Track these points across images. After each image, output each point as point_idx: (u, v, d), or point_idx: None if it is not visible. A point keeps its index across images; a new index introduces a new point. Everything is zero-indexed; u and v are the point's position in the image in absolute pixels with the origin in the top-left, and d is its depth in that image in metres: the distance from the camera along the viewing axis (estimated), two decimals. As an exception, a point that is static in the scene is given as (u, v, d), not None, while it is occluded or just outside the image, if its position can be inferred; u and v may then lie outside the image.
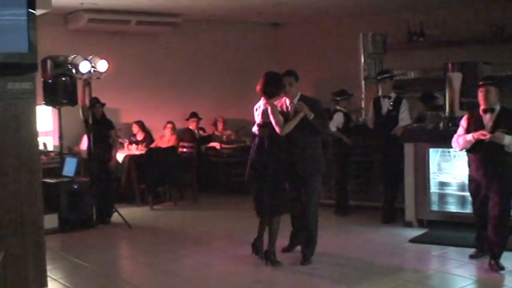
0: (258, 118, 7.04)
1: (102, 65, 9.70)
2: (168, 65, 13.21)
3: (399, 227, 8.88)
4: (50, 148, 11.06)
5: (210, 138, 13.19)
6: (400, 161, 8.98)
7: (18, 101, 4.31)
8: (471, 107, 8.48)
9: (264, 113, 6.91)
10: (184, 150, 12.05)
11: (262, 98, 7.01)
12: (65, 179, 9.66)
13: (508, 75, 10.43)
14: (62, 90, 9.53)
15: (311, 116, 6.88)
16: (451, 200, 8.71)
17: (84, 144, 10.70)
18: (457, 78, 8.74)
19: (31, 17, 4.21)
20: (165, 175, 11.33)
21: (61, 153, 10.13)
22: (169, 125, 12.32)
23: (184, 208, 11.26)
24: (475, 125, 6.71)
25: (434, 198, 8.78)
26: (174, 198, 11.60)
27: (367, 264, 7.16)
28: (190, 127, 12.93)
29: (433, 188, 8.78)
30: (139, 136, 12.35)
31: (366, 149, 10.24)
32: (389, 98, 9.50)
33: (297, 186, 7.18)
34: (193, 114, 12.98)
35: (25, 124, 4.37)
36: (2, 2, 4.17)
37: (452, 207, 8.69)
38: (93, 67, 9.62)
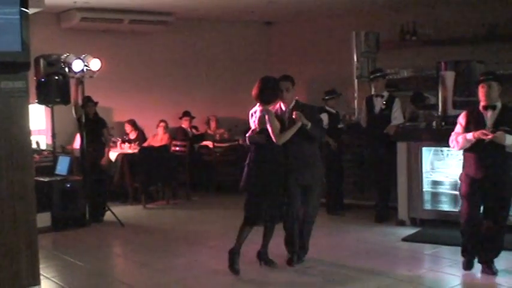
0: (253, 124, 6.81)
1: (95, 64, 9.69)
2: (160, 64, 13.21)
3: (392, 226, 8.89)
4: (43, 147, 11.05)
5: (203, 136, 13.19)
6: (393, 160, 8.99)
7: (11, 99, 4.30)
8: (464, 106, 8.53)
9: (261, 120, 6.65)
10: (177, 149, 12.05)
11: (258, 104, 6.76)
12: (58, 178, 9.65)
13: (501, 74, 10.43)
14: (54, 89, 9.51)
15: (308, 125, 6.64)
16: (444, 199, 8.72)
17: (77, 142, 10.68)
18: (450, 77, 8.75)
19: (24, 16, 4.21)
20: (158, 174, 11.34)
21: (54, 152, 10.11)
22: (162, 124, 12.32)
23: (177, 207, 11.25)
24: (475, 122, 6.31)
25: (427, 197, 8.79)
26: (167, 197, 11.59)
27: (359, 263, 7.16)
28: (183, 126, 12.92)
29: (426, 187, 8.80)
30: (132, 135, 12.35)
31: (359, 148, 10.25)
32: (382, 97, 9.51)
33: (293, 196, 6.86)
34: (186, 113, 12.97)
35: (18, 123, 4.36)
36: (-6, 1, 4.16)
37: (445, 206, 8.70)
38: (86, 66, 9.60)
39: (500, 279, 6.24)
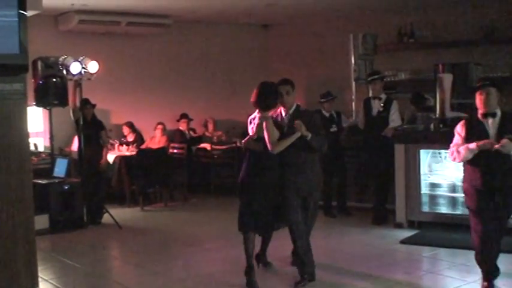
0: (251, 131, 6.54)
1: (92, 66, 9.71)
2: (158, 66, 13.21)
3: (390, 228, 8.90)
4: (41, 149, 11.03)
5: (201, 139, 13.19)
6: (390, 162, 9.00)
7: (9, 101, 4.30)
8: (462, 109, 8.54)
9: (259, 127, 6.36)
10: (175, 151, 12.05)
11: (257, 111, 6.48)
12: (56, 180, 9.65)
13: (498, 77, 10.45)
14: (52, 91, 9.53)
15: (308, 136, 6.26)
16: (441, 201, 8.73)
17: (75, 145, 10.68)
18: (447, 79, 8.76)
19: (22, 18, 4.21)
20: (156, 176, 11.34)
21: (52, 154, 10.11)
22: (159, 126, 12.32)
23: (175, 209, 11.26)
24: (476, 132, 5.83)
25: (425, 200, 8.80)
26: (165, 199, 11.59)
27: (357, 266, 7.16)
28: (181, 128, 12.92)
29: (424, 189, 8.80)
30: (130, 137, 12.34)
31: (356, 151, 10.25)
32: (380, 99, 9.52)
33: (292, 208, 6.47)
34: (184, 115, 12.97)
35: (16, 125, 4.36)
36: (-7, 3, 4.16)
37: (443, 209, 8.71)
38: (84, 68, 9.62)
39: (499, 281, 6.24)
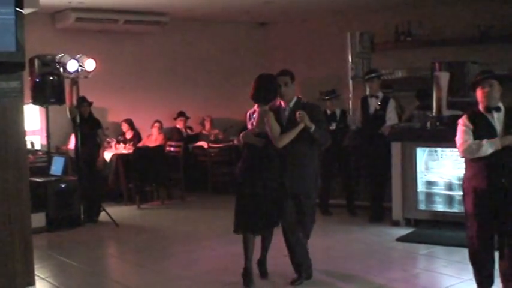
0: (250, 126, 6.32)
1: (89, 64, 9.71)
2: (155, 64, 13.20)
3: (386, 226, 8.91)
4: (38, 147, 11.03)
5: (198, 137, 13.19)
6: (387, 160, 9.01)
7: (6, 99, 4.30)
8: (459, 107, 8.53)
9: (260, 122, 6.14)
10: (172, 149, 12.04)
11: (256, 105, 6.27)
12: (53, 178, 9.65)
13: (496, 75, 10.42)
14: (49, 89, 9.53)
15: (312, 128, 5.99)
16: (438, 199, 8.74)
17: (71, 143, 10.67)
18: (444, 77, 8.77)
19: (19, 16, 4.21)
20: (153, 174, 11.34)
21: (48, 152, 10.10)
22: (156, 124, 12.31)
23: (172, 207, 11.26)
24: (482, 126, 5.44)
25: (421, 198, 8.81)
26: (162, 198, 11.60)
27: (354, 264, 7.18)
28: (178, 126, 12.92)
29: (421, 187, 8.82)
30: (128, 135, 12.34)
31: (353, 149, 10.25)
32: (377, 97, 9.53)
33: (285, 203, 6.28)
34: (181, 113, 12.97)
35: (13, 122, 4.36)
36: (-11, 1, 4.16)
37: (440, 207, 8.73)
38: (81, 66, 9.62)
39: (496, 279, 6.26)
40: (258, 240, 6.50)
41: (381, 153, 9.19)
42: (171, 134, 12.67)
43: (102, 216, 9.88)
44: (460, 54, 10.83)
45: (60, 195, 9.49)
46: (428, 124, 8.79)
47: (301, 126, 6.00)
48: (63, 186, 9.56)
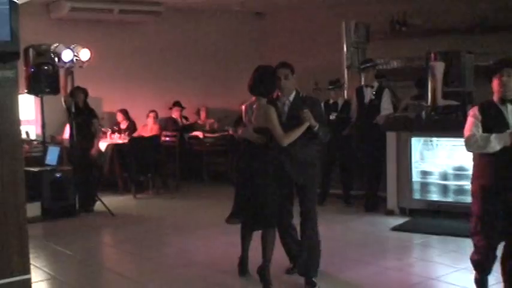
0: (253, 120, 5.98)
1: (84, 54, 9.72)
2: (150, 54, 13.18)
3: (381, 216, 8.94)
4: (33, 137, 11.02)
5: (193, 127, 13.20)
6: (382, 150, 9.02)
7: (0, 89, 4.29)
8: (453, 97, 8.55)
9: (259, 116, 5.88)
10: (167, 139, 12.04)
11: (255, 97, 6.00)
12: (48, 168, 9.64)
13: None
14: (44, 79, 9.51)
15: (316, 126, 5.80)
16: (433, 188, 8.78)
17: (67, 133, 10.67)
18: (439, 67, 8.76)
19: (13, 6, 4.19)
20: (148, 164, 11.36)
21: (43, 142, 10.09)
22: (152, 114, 12.30)
23: (167, 197, 11.27)
24: (493, 118, 4.96)
25: (416, 187, 8.85)
26: (157, 187, 11.61)
27: (348, 253, 7.21)
28: (174, 116, 12.92)
29: (415, 177, 8.84)
30: (123, 125, 12.34)
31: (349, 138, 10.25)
32: (372, 87, 9.53)
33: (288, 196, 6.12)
34: (177, 103, 12.97)
35: (7, 112, 4.35)
36: (-17, -10, 4.14)
37: (434, 196, 8.76)
38: (76, 56, 9.62)
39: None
40: (257, 237, 6.21)
41: (376, 143, 9.20)
42: (166, 123, 12.66)
43: (98, 205, 9.90)
44: (456, 44, 10.83)
45: (56, 184, 9.49)
46: (423, 114, 8.79)
47: (306, 125, 5.77)
48: (58, 176, 9.56)
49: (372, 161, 9.44)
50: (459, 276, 6.16)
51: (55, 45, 9.51)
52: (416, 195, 8.84)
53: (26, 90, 9.47)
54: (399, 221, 8.55)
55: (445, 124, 8.37)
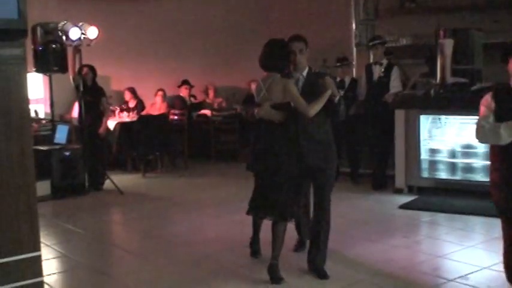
0: (258, 98, 5.67)
1: (92, 32, 9.69)
2: (159, 32, 13.13)
3: (389, 194, 8.95)
4: (41, 115, 11.05)
5: (201, 105, 13.19)
6: (391, 128, 9.00)
7: (8, 66, 4.28)
8: (462, 74, 8.50)
9: (279, 92, 5.48)
10: (175, 117, 12.05)
11: (267, 73, 5.62)
12: (57, 146, 9.67)
13: (501, 43, 10.35)
14: (52, 57, 9.52)
15: (337, 97, 5.48)
16: (441, 166, 8.77)
17: (75, 111, 10.69)
18: (448, 44, 8.72)
19: (20, -17, 4.19)
20: (156, 142, 11.37)
21: (52, 121, 10.12)
22: (160, 93, 12.29)
23: (176, 175, 11.30)
24: (507, 105, 4.41)
25: (424, 165, 8.83)
26: (166, 166, 11.64)
27: (356, 231, 7.22)
28: (182, 94, 12.91)
29: (424, 155, 8.83)
30: (131, 103, 12.34)
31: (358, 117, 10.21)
32: (381, 64, 9.50)
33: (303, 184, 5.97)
34: (185, 82, 12.96)
35: (16, 90, 4.35)
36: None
37: (443, 174, 8.75)
38: (83, 34, 9.60)
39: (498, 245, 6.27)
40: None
41: (384, 120, 9.18)
42: (174, 102, 12.64)
43: (107, 184, 9.94)
44: (465, 21, 10.75)
45: (65, 163, 9.53)
46: (432, 91, 8.75)
47: (329, 93, 5.42)
48: (67, 154, 9.59)
49: (380, 139, 9.41)
50: (466, 254, 6.18)
51: (63, 23, 9.50)
52: (425, 173, 8.83)
53: (34, 69, 9.47)
54: (407, 199, 8.55)
55: (454, 102, 8.34)
